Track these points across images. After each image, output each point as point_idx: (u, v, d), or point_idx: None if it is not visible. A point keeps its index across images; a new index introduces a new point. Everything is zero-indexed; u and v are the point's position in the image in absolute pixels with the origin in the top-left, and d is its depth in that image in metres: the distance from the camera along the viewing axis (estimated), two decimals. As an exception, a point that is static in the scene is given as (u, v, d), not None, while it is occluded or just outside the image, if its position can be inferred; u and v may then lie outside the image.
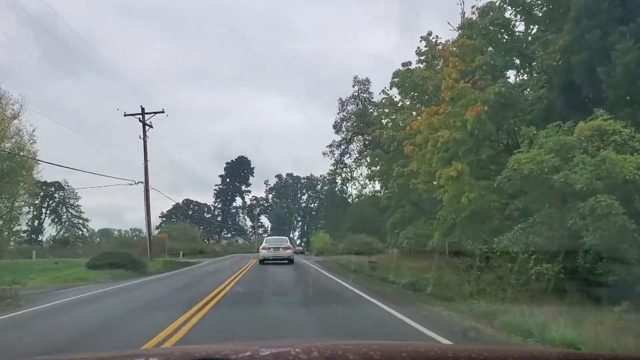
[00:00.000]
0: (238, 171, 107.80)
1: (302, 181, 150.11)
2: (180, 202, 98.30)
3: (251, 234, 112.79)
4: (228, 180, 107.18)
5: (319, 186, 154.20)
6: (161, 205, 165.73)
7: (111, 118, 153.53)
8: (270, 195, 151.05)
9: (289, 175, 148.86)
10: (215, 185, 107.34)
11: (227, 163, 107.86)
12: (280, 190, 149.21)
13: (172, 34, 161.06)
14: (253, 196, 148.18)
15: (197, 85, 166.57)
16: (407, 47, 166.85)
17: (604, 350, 5.61)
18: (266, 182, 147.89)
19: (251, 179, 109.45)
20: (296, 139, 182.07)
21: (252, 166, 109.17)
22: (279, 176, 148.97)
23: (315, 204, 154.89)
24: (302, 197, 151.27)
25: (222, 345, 2.63)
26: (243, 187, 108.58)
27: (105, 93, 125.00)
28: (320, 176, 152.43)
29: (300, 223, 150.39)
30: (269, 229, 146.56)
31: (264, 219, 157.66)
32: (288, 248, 28.19)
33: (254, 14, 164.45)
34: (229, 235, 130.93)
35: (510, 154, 13.66)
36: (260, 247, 29.04)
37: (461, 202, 15.26)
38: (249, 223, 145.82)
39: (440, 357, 2.14)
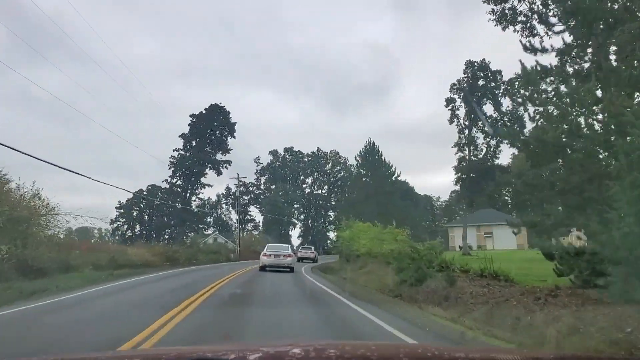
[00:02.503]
0: (210, 129, 70.99)
1: (306, 159, 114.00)
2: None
3: (237, 231, 75.23)
4: (194, 143, 70.32)
5: (329, 165, 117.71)
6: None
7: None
8: (262, 179, 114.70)
9: (288, 151, 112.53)
10: (175, 151, 70.38)
11: (192, 117, 70.96)
12: (276, 171, 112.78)
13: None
14: (240, 180, 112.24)
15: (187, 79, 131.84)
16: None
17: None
18: (257, 161, 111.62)
19: (231, 143, 72.43)
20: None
21: (232, 120, 72.18)
22: (274, 153, 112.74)
23: (324, 190, 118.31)
24: (306, 179, 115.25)
25: (216, 346, 2.63)
26: (218, 155, 71.51)
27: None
28: (331, 152, 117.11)
29: (302, 215, 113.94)
30: (260, 223, 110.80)
31: (254, 212, 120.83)
32: (289, 256, 28.19)
33: None
34: (210, 232, 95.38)
35: None
36: (262, 253, 28.93)
37: None
38: (234, 217, 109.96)
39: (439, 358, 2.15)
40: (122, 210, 78.51)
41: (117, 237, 77.73)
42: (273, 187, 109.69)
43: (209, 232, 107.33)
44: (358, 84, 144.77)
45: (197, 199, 68.49)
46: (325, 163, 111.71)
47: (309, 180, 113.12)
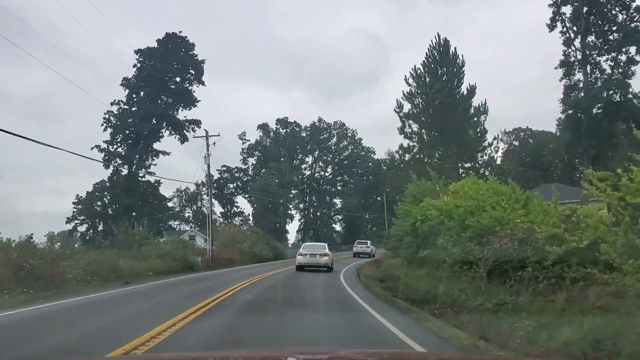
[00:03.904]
0: (166, 73, 47.44)
1: (304, 134, 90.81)
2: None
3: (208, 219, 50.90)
4: (142, 93, 46.79)
5: (333, 140, 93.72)
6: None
7: None
8: (250, 161, 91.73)
9: (281, 123, 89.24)
10: (114, 105, 46.56)
11: (139, 54, 47.21)
12: (267, 150, 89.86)
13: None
14: (224, 166, 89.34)
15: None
16: None
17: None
18: (242, 138, 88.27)
19: (199, 93, 48.90)
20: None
21: (197, 58, 48.49)
22: (263, 127, 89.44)
23: (328, 171, 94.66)
24: (305, 159, 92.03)
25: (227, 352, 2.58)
26: (180, 108, 48.06)
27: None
28: (335, 123, 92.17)
29: (302, 204, 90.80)
30: (250, 216, 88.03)
31: (242, 202, 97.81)
32: (325, 255, 26.64)
33: None
34: (188, 229, 73.17)
35: None
36: (297, 253, 28.38)
37: None
38: (219, 209, 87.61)
39: None
40: (80, 207, 55.66)
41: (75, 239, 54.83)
42: (264, 170, 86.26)
43: (187, 228, 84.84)
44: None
45: (147, 174, 45.37)
46: (328, 137, 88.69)
47: (309, 159, 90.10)
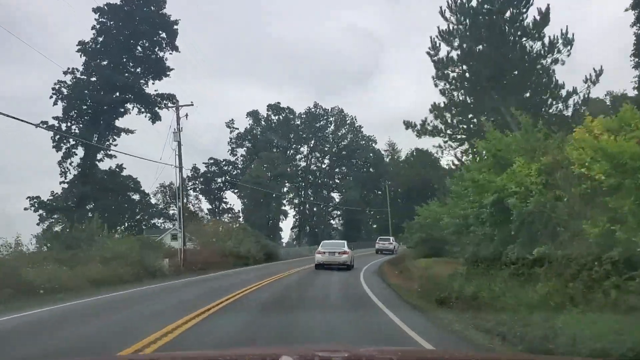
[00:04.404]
0: (131, 38, 38.82)
1: (298, 121, 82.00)
2: None
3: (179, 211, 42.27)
4: (104, 60, 38.24)
5: (331, 127, 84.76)
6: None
7: None
8: (240, 152, 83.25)
9: (273, 109, 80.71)
10: (67, 73, 37.82)
11: (98, 13, 38.56)
12: (257, 140, 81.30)
13: None
14: (211, 159, 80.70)
15: None
16: None
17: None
18: (230, 126, 79.74)
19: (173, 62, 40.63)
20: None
21: (169, 17, 39.82)
22: (254, 115, 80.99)
23: (325, 163, 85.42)
24: (300, 148, 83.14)
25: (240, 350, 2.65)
26: (150, 81, 39.60)
27: None
28: (332, 109, 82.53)
29: (297, 199, 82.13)
30: (241, 211, 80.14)
31: (231, 198, 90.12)
32: (344, 253, 25.93)
33: None
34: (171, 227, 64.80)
35: None
36: (316, 251, 27.66)
37: None
38: (206, 205, 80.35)
39: None
40: (54, 203, 46.81)
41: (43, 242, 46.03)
42: (255, 161, 77.86)
43: (170, 226, 76.82)
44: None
45: (107, 156, 36.76)
46: (326, 125, 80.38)
47: (304, 149, 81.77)
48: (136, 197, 54.22)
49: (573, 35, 22.69)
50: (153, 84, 39.94)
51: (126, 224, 67.15)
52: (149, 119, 39.07)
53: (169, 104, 35.32)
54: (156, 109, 38.88)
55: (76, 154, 36.20)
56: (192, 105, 31.48)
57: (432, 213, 25.79)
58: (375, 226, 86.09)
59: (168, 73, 39.36)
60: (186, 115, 30.42)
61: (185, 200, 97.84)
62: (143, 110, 38.77)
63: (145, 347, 6.83)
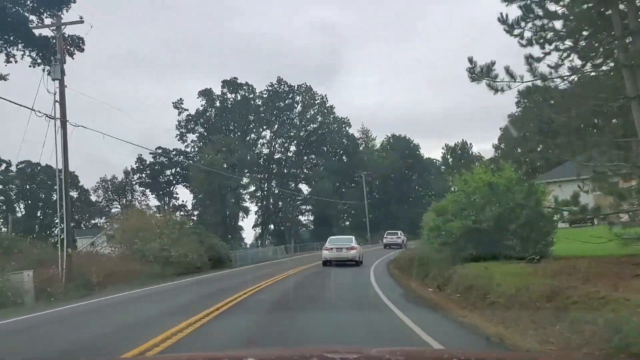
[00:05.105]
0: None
1: (260, 101, 69.24)
2: None
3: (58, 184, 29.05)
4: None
5: (298, 107, 72.32)
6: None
7: None
8: (190, 137, 70.41)
9: (230, 85, 68.41)
10: None
11: None
12: (211, 123, 68.54)
13: None
14: (159, 148, 67.84)
15: None
16: None
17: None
18: (179, 106, 67.09)
19: None
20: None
21: None
22: (207, 94, 68.50)
23: (291, 150, 72.47)
24: (262, 132, 70.03)
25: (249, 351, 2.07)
26: (40, 10, 26.99)
27: None
28: (299, 87, 70.08)
29: (259, 192, 69.62)
30: (192, 208, 68.91)
31: (183, 193, 78.67)
32: (352, 248, 25.14)
33: None
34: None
35: None
36: (323, 247, 26.61)
37: None
38: (155, 202, 68.63)
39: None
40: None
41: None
42: (206, 150, 65.49)
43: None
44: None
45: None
46: (291, 104, 68.84)
47: (267, 134, 70.08)
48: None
49: None
50: (47, 18, 27.27)
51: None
52: (44, 63, 26.46)
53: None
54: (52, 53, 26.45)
55: None
56: (82, 21, 19.69)
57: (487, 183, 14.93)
58: (348, 223, 75.43)
59: (67, 4, 26.73)
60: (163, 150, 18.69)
61: (130, 197, 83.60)
62: (28, 48, 26.17)
63: None
